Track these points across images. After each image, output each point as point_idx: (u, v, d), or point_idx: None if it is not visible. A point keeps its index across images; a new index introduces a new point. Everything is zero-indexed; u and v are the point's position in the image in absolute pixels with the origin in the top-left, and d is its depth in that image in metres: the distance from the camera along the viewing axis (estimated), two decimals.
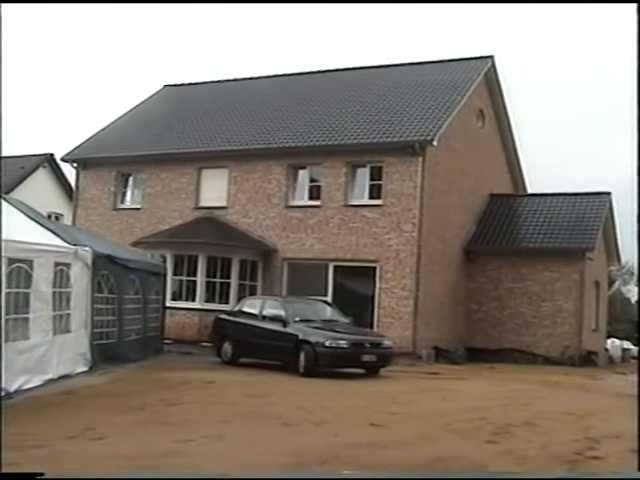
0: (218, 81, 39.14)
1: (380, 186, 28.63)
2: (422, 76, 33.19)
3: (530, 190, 38.14)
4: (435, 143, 27.84)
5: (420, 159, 27.89)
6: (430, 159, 28.23)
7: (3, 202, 19.40)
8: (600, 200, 32.83)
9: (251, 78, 38.36)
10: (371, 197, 28.89)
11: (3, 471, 8.04)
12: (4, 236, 14.72)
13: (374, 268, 28.43)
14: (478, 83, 32.19)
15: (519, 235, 32.59)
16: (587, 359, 30.70)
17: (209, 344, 25.58)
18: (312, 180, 30.34)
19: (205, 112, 35.59)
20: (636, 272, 26.13)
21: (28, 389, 14.98)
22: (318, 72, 36.98)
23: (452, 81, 31.73)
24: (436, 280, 29.00)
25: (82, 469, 9.18)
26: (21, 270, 14.99)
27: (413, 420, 13.74)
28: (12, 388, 14.38)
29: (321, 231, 29.26)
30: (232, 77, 38.99)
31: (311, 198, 30.05)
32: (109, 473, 8.47)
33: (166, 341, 25.79)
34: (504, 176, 37.10)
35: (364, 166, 29.23)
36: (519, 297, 31.47)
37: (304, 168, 30.48)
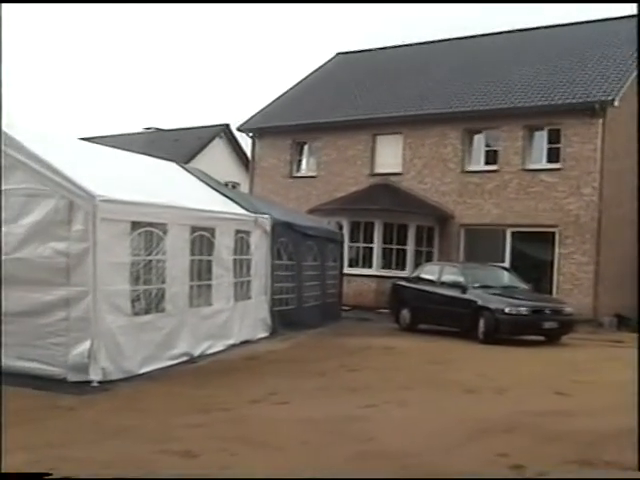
0: (391, 47, 38.88)
1: (559, 149, 27.90)
2: (599, 34, 32.04)
3: None
4: (616, 104, 26.87)
5: (600, 121, 27.00)
6: (610, 120, 27.26)
7: (185, 172, 19.98)
8: None
9: (424, 43, 37.91)
10: (549, 161, 28.19)
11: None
12: (188, 205, 15.16)
13: (553, 233, 27.80)
14: None
15: None
16: None
17: (386, 310, 25.66)
18: (487, 145, 29.85)
19: (378, 78, 35.44)
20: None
21: (211, 354, 15.39)
22: (492, 34, 36.10)
23: (631, 38, 30.50)
24: (617, 245, 28.07)
25: (266, 432, 9.31)
26: (204, 238, 15.35)
27: (598, 389, 13.32)
28: (196, 352, 14.85)
29: (499, 196, 28.79)
30: (405, 42, 38.70)
31: (487, 163, 29.61)
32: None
33: (344, 307, 26.01)
34: None
35: (542, 129, 28.52)
36: None
37: (480, 132, 29.99)
